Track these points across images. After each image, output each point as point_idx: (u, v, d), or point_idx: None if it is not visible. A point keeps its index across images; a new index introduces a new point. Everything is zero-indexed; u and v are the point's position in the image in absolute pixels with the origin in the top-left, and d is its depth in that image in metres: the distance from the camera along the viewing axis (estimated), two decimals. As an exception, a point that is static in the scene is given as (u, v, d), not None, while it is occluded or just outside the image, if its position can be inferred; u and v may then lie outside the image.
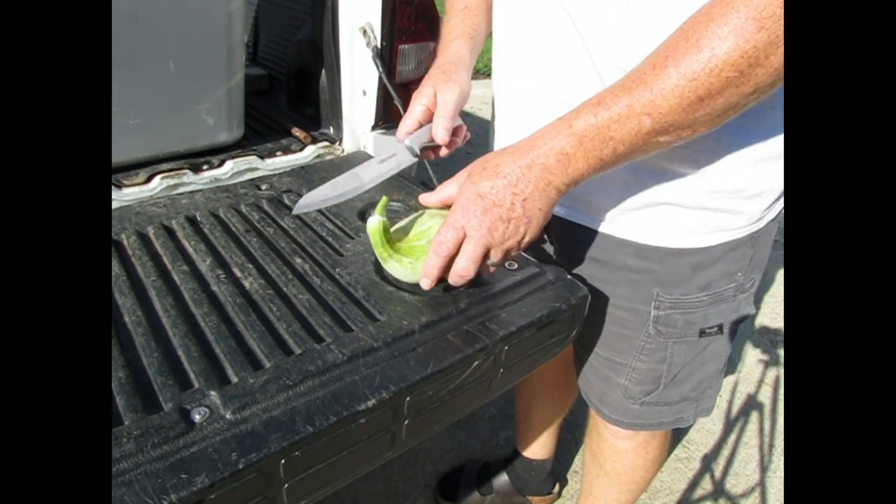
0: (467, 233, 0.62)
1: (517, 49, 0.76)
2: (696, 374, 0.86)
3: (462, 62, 0.81)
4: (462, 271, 0.64)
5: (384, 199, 0.70)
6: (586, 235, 0.80)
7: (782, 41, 0.49)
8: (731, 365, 1.81)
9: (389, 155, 0.76)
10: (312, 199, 0.73)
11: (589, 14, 0.64)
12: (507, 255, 0.65)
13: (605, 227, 0.78)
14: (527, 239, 0.64)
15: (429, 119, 0.77)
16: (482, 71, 4.43)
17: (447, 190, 0.67)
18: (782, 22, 0.49)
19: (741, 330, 0.92)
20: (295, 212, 0.74)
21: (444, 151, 0.79)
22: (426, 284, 0.66)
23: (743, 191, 0.70)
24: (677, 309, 0.79)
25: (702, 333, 0.81)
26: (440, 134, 0.75)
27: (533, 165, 0.60)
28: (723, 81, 0.52)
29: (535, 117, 0.77)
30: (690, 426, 1.61)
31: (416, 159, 0.76)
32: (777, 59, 0.50)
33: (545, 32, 0.70)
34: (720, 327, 0.81)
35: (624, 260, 0.78)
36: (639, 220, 0.74)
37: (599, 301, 0.84)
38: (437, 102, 0.76)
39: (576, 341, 0.94)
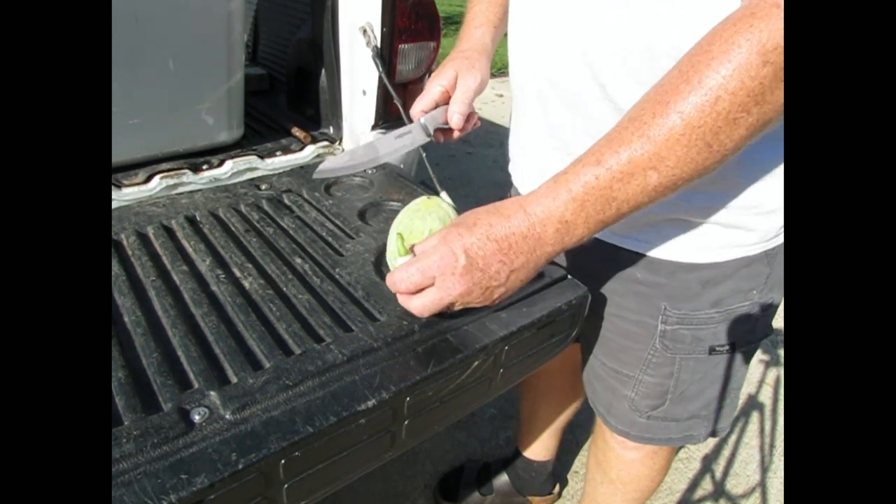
0: (436, 284, 0.58)
1: (519, 48, 0.76)
2: (706, 391, 0.84)
3: (485, 50, 0.80)
4: (415, 310, 0.61)
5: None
6: (594, 247, 0.79)
7: None
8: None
9: (405, 131, 0.76)
10: (332, 166, 0.74)
11: (588, 14, 0.64)
12: (465, 309, 0.63)
13: (614, 240, 0.77)
14: (495, 303, 0.62)
15: (445, 101, 0.77)
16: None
17: (430, 241, 0.62)
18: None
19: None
20: (315, 176, 0.75)
21: (455, 134, 0.79)
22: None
23: (756, 207, 0.68)
24: (685, 324, 0.77)
25: (712, 351, 0.79)
26: (455, 119, 0.75)
27: (528, 237, 0.56)
28: (731, 123, 0.48)
29: (536, 118, 0.77)
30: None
31: (429, 139, 0.77)
32: (782, 91, 0.47)
33: (544, 33, 0.70)
34: (732, 346, 0.79)
35: (633, 272, 0.77)
36: (649, 234, 0.73)
37: (607, 312, 0.83)
38: (456, 86, 0.76)
39: (584, 350, 0.94)
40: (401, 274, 0.60)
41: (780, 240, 0.74)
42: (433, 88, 0.77)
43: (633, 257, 0.76)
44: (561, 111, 0.73)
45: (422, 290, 0.60)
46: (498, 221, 0.57)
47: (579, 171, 0.54)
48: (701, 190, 0.67)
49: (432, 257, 0.58)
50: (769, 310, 0.79)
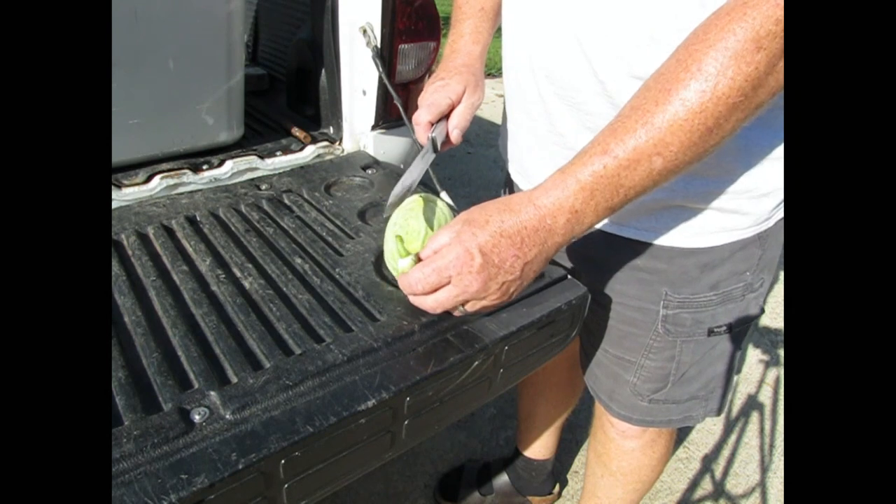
0: (452, 282, 0.59)
1: (518, 48, 0.76)
2: (704, 372, 0.86)
3: (483, 67, 0.81)
4: (430, 307, 0.62)
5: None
6: (595, 236, 0.80)
7: (780, 58, 0.49)
8: (732, 365, 1.81)
9: (425, 151, 0.76)
10: (394, 195, 0.73)
11: (589, 13, 0.64)
12: (481, 310, 0.63)
13: (614, 229, 0.78)
14: (512, 298, 0.63)
15: (448, 113, 0.78)
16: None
17: (440, 239, 0.61)
18: (779, 39, 0.48)
19: (742, 330, 0.92)
20: (386, 214, 0.74)
21: (445, 147, 0.80)
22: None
23: (751, 191, 0.70)
24: (686, 308, 0.79)
25: (710, 332, 0.81)
26: (456, 135, 0.76)
27: (539, 229, 0.57)
28: (730, 108, 0.51)
29: (535, 116, 0.78)
30: (692, 426, 1.60)
31: (434, 155, 0.76)
32: (777, 75, 0.50)
33: (544, 32, 0.70)
34: (729, 327, 0.81)
35: (633, 260, 0.79)
36: (648, 222, 0.75)
37: (609, 300, 0.84)
38: (462, 102, 0.76)
39: (585, 339, 0.94)
40: (416, 275, 0.60)
41: (772, 222, 0.75)
42: (441, 101, 0.76)
43: (634, 245, 0.77)
44: (560, 107, 0.73)
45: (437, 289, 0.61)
46: (509, 217, 0.58)
47: (586, 161, 0.56)
48: (699, 176, 0.68)
49: (448, 257, 0.58)
50: (760, 290, 0.82)
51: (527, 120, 0.80)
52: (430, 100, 0.76)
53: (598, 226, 0.78)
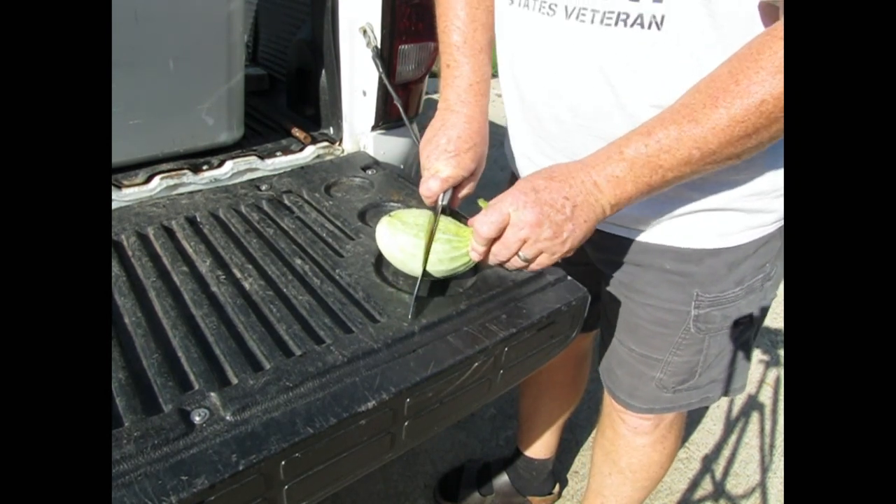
0: (511, 220, 0.63)
1: (537, 82, 0.76)
2: (724, 358, 0.89)
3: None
4: (499, 257, 0.66)
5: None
6: (626, 243, 0.82)
7: None
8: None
9: (434, 219, 0.75)
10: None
11: (614, 46, 0.65)
12: (537, 255, 0.65)
13: (643, 237, 0.80)
14: (566, 248, 0.64)
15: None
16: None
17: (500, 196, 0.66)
18: None
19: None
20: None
21: None
22: (474, 257, 0.69)
23: (776, 190, 0.73)
24: (716, 306, 0.82)
25: (736, 324, 0.84)
26: (458, 202, 0.79)
27: (585, 181, 0.63)
28: (771, 120, 0.55)
29: (562, 149, 0.77)
30: (693, 428, 1.61)
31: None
32: None
33: (567, 67, 0.70)
34: (751, 316, 0.84)
35: (663, 264, 0.80)
36: (677, 227, 0.76)
37: (638, 302, 0.86)
38: (473, 175, 0.78)
39: (605, 340, 0.96)
40: (481, 218, 0.65)
41: None
42: (456, 176, 0.74)
43: (663, 251, 0.79)
44: (585, 139, 0.73)
45: (498, 240, 0.66)
46: (559, 168, 0.65)
47: (631, 138, 0.62)
48: (730, 179, 0.71)
49: (506, 199, 0.64)
50: (776, 276, 0.85)
51: (548, 149, 0.80)
52: (445, 174, 0.74)
53: (627, 235, 0.81)
